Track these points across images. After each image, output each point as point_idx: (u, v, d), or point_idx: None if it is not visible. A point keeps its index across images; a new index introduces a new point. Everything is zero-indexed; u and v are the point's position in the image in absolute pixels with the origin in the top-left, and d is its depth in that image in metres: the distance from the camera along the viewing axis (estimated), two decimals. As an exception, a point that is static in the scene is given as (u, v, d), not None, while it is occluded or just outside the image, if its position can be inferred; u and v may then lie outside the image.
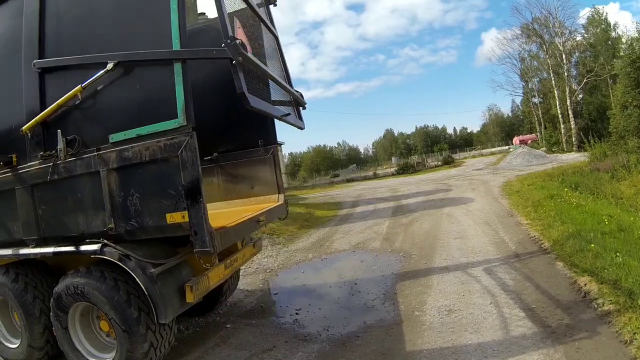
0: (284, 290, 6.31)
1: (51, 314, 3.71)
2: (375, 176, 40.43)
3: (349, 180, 39.44)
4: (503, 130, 78.01)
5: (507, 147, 54.25)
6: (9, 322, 4.26)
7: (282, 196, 5.28)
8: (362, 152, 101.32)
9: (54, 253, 3.63)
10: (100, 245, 3.36)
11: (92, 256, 3.42)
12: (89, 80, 3.36)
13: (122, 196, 3.34)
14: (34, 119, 3.59)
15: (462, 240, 7.63)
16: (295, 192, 29.00)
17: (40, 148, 3.63)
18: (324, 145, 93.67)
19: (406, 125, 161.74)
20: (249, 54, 3.26)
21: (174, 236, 3.37)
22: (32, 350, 3.92)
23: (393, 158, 69.45)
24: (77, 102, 3.45)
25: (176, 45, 3.12)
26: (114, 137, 3.32)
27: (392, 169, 43.48)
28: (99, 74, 3.32)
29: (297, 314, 5.08)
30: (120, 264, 3.30)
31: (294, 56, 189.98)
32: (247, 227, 4.13)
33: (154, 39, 3.26)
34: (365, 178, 39.83)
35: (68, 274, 3.61)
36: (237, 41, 3.06)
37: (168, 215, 3.20)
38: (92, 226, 3.48)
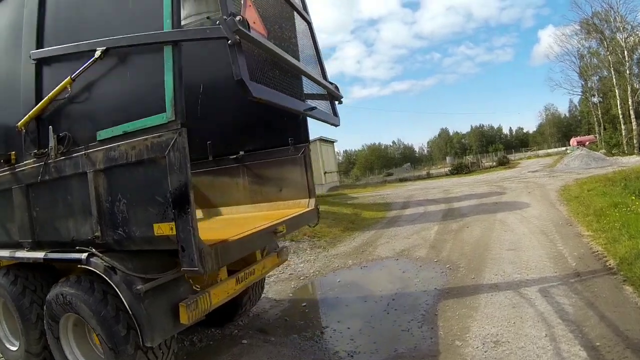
0: (314, 302, 5.61)
1: (44, 321, 3.29)
2: (429, 176, 38.48)
3: (401, 180, 37.92)
4: (560, 130, 72.25)
5: (564, 149, 50.11)
6: (13, 324, 3.90)
7: (312, 201, 4.54)
8: (417, 151, 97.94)
9: (44, 259, 3.19)
10: (87, 254, 2.87)
11: (78, 266, 2.93)
12: (78, 71, 2.87)
13: (110, 201, 2.82)
14: (27, 114, 3.16)
15: (516, 253, 6.56)
16: (346, 190, 28.01)
17: (35, 146, 3.21)
18: (379, 144, 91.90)
19: (461, 125, 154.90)
20: (254, 34, 2.60)
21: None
22: (29, 355, 3.54)
23: (447, 158, 66.48)
24: (66, 96, 2.97)
25: (167, 26, 2.54)
26: (101, 135, 2.80)
27: (446, 169, 41.25)
28: (87, 63, 2.81)
29: (322, 333, 4.37)
30: (105, 277, 2.78)
31: (350, 54, 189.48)
32: (258, 240, 3.46)
33: (148, 23, 2.69)
34: (419, 178, 38.09)
35: (59, 281, 3.16)
36: (237, 18, 2.41)
37: (155, 226, 2.63)
38: (82, 233, 2.99)
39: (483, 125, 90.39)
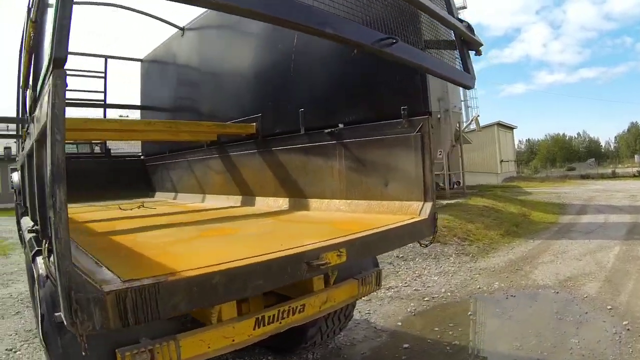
0: (420, 347, 3.53)
1: None
2: (614, 175, 31.70)
3: (583, 177, 31.92)
4: None
5: None
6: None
7: (428, 206, 2.73)
8: (603, 145, 78.63)
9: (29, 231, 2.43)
10: (35, 250, 2.00)
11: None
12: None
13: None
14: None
15: None
16: (522, 183, 23.51)
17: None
18: (563, 134, 77.26)
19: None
20: None
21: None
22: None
23: (636, 156, 51.49)
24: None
25: None
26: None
27: (634, 169, 32.92)
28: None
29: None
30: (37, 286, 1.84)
31: (535, 37, 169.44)
32: (260, 277, 1.70)
33: None
34: (602, 176, 31.60)
35: None
36: None
37: None
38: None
39: (681, 123, 66.33)
